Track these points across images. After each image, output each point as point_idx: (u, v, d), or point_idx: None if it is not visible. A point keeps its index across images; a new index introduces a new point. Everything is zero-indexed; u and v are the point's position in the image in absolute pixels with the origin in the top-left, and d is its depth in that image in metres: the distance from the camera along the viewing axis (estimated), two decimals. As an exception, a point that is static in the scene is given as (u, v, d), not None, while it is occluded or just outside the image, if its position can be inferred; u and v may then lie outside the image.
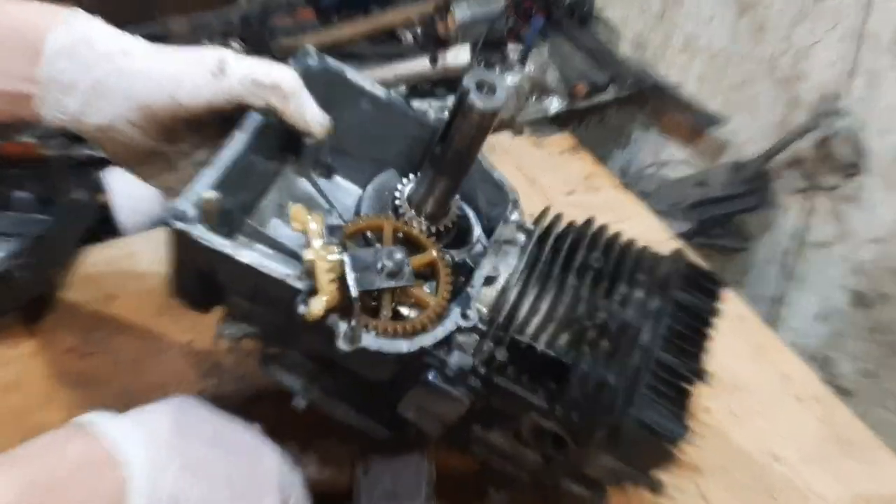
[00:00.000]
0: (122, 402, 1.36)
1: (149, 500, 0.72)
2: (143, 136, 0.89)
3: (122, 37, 0.92)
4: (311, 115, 0.93)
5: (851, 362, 2.04)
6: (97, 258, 1.66)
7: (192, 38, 2.24)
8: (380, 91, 1.09)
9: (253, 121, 0.98)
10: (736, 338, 1.54)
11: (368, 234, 1.01)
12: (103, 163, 1.84)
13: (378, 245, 0.98)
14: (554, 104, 2.25)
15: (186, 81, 0.82)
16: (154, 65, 0.86)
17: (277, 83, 0.89)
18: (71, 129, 0.87)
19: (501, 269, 1.00)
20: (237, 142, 0.96)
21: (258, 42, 2.24)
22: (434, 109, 1.11)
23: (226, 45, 2.22)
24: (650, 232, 1.79)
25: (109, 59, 0.83)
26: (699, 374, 1.00)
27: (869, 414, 2.02)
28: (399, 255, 0.92)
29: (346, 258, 0.84)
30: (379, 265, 0.91)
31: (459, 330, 0.93)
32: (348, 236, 0.97)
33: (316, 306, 0.84)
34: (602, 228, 1.07)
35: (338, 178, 1.19)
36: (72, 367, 1.42)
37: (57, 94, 0.83)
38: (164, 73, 0.83)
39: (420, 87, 2.16)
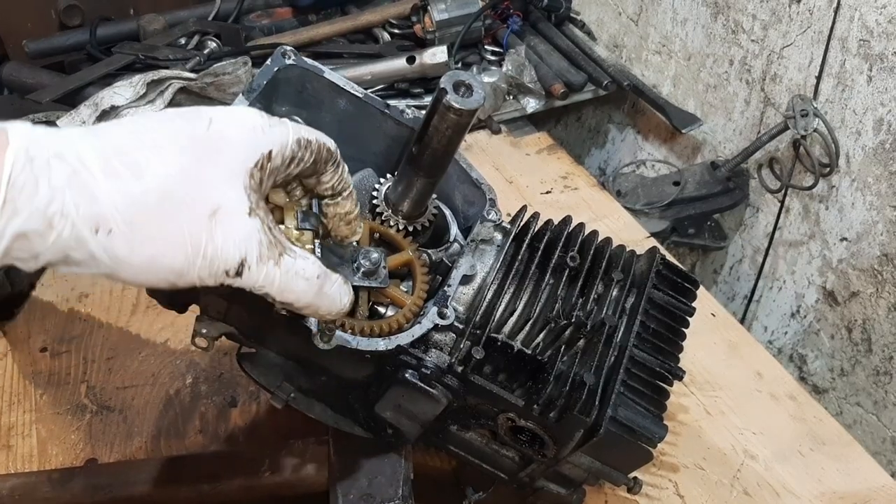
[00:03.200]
0: (96, 402, 1.36)
1: (27, 155, 0.57)
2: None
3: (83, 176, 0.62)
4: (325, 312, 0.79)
5: (824, 360, 2.07)
6: (70, 257, 1.64)
7: (167, 35, 2.22)
8: (357, 90, 1.09)
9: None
10: (710, 336, 1.55)
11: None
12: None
13: (355, 243, 0.98)
14: (531, 104, 2.26)
15: (192, 276, 0.66)
16: (156, 254, 0.65)
17: (296, 306, 0.75)
18: None
19: (478, 267, 1.01)
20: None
21: (234, 40, 2.22)
22: (411, 109, 1.11)
23: (202, 43, 2.21)
24: (626, 231, 1.81)
25: (79, 241, 0.61)
26: (675, 373, 1.01)
27: (842, 412, 2.06)
28: (376, 255, 0.92)
29: (317, 247, 0.83)
30: (355, 264, 0.91)
31: (436, 328, 0.93)
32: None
33: None
34: (578, 227, 1.08)
35: (315, 177, 1.18)
36: (44, 367, 1.41)
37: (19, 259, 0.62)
38: (165, 268, 0.65)
39: (397, 87, 2.16)
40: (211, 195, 0.67)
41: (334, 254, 0.88)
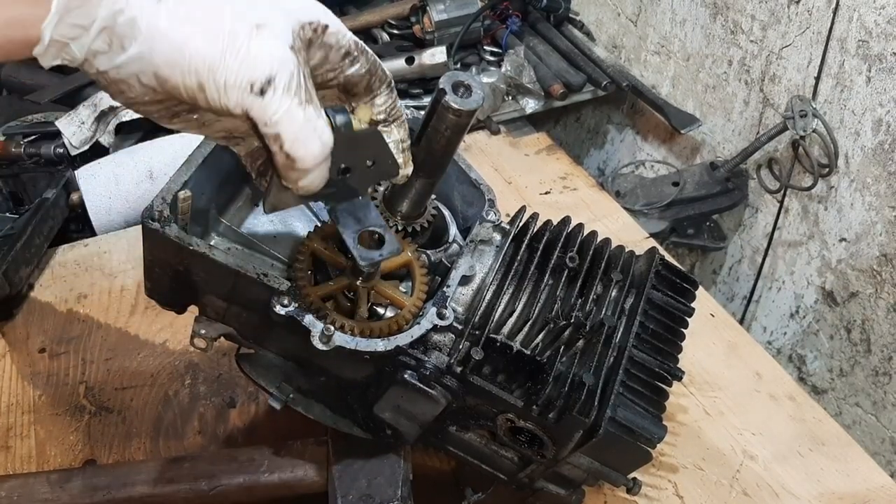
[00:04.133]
0: (94, 402, 1.36)
1: None
2: (159, 104, 0.72)
3: None
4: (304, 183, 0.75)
5: (823, 361, 2.07)
6: (69, 257, 1.64)
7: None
8: (356, 90, 1.08)
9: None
10: (709, 336, 1.55)
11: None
12: (76, 162, 1.82)
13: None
14: (530, 104, 2.26)
15: (220, 74, 0.66)
16: (194, 34, 0.66)
17: (298, 166, 0.72)
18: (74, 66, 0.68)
19: (477, 268, 1.00)
20: (210, 141, 0.95)
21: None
22: (410, 109, 1.10)
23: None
24: (626, 231, 1.81)
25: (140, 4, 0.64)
26: (674, 373, 1.01)
27: (841, 412, 2.06)
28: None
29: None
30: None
31: (435, 329, 0.93)
32: (324, 237, 0.96)
33: None
34: (578, 228, 1.08)
35: (314, 178, 1.18)
36: (42, 367, 1.40)
37: (66, 27, 0.64)
38: (198, 54, 0.65)
39: (396, 88, 2.16)
40: (262, 13, 0.68)
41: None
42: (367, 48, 0.79)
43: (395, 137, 0.84)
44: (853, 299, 1.94)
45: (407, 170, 0.86)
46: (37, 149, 1.85)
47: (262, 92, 0.67)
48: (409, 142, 0.86)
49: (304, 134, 0.70)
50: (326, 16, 0.74)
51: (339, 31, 0.75)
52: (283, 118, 0.68)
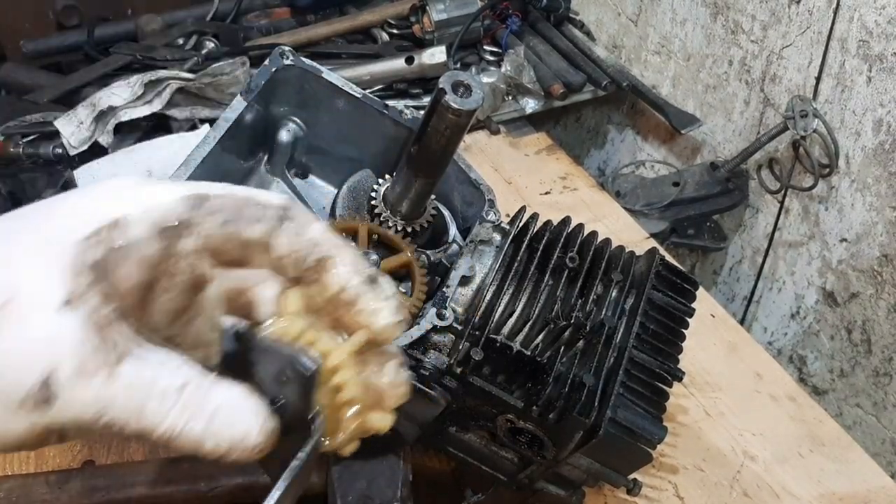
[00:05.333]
0: (94, 404, 1.35)
1: None
2: None
3: None
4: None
5: (824, 361, 2.06)
6: (68, 258, 1.63)
7: (164, 35, 2.22)
8: (356, 91, 1.08)
9: (223, 120, 0.97)
10: (710, 337, 1.55)
11: (343, 235, 1.00)
12: (75, 162, 1.82)
13: (353, 245, 0.98)
14: (530, 104, 2.25)
15: None
16: None
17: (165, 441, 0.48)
18: None
19: (477, 268, 1.00)
20: (208, 141, 0.95)
21: (232, 41, 2.22)
22: (410, 109, 1.10)
23: (200, 43, 2.20)
24: (626, 231, 1.80)
25: None
26: (675, 374, 1.00)
27: (842, 413, 2.05)
28: (374, 257, 0.92)
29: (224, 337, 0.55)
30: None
31: (435, 330, 0.93)
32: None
33: None
34: (578, 228, 1.07)
35: (313, 178, 1.18)
36: (42, 369, 1.40)
37: None
38: None
39: (396, 87, 2.16)
40: (3, 278, 0.45)
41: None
42: (211, 192, 0.51)
43: (329, 291, 0.54)
44: (854, 300, 1.94)
45: (396, 331, 0.56)
46: (35, 149, 1.84)
47: (48, 401, 0.44)
48: (394, 295, 0.56)
49: (133, 406, 0.45)
50: (120, 200, 0.49)
51: (145, 206, 0.49)
52: (97, 412, 0.45)
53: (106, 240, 0.47)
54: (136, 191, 0.50)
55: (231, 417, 0.47)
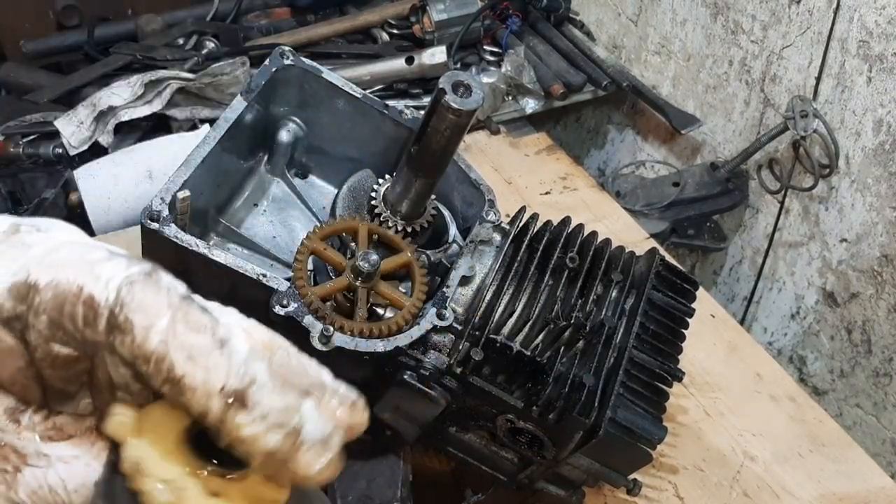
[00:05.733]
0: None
1: None
2: None
3: None
4: None
5: (824, 361, 2.06)
6: (68, 258, 1.63)
7: (165, 35, 2.22)
8: (356, 91, 1.08)
9: (223, 120, 0.97)
10: (710, 337, 1.55)
11: (343, 235, 1.00)
12: (75, 162, 1.82)
13: (353, 246, 0.97)
14: (530, 104, 2.26)
15: None
16: None
17: None
18: None
19: (477, 268, 1.00)
20: (208, 141, 0.95)
21: (232, 41, 2.22)
22: (410, 110, 1.10)
23: (200, 43, 2.20)
24: (626, 231, 1.80)
25: None
26: (675, 374, 1.00)
27: (842, 413, 2.05)
28: (375, 257, 0.92)
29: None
30: None
31: (435, 330, 0.93)
32: (323, 237, 0.96)
33: None
34: (578, 228, 1.07)
35: (313, 178, 1.18)
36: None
37: None
38: None
39: (396, 87, 2.16)
40: None
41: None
42: (42, 278, 0.43)
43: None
44: (854, 300, 1.94)
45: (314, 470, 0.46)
46: (35, 149, 1.84)
47: None
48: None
49: None
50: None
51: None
52: None
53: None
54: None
55: None
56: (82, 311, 0.42)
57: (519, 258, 1.02)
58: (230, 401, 0.43)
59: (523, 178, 1.96)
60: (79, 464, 0.42)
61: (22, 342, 0.44)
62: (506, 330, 0.97)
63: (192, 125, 1.93)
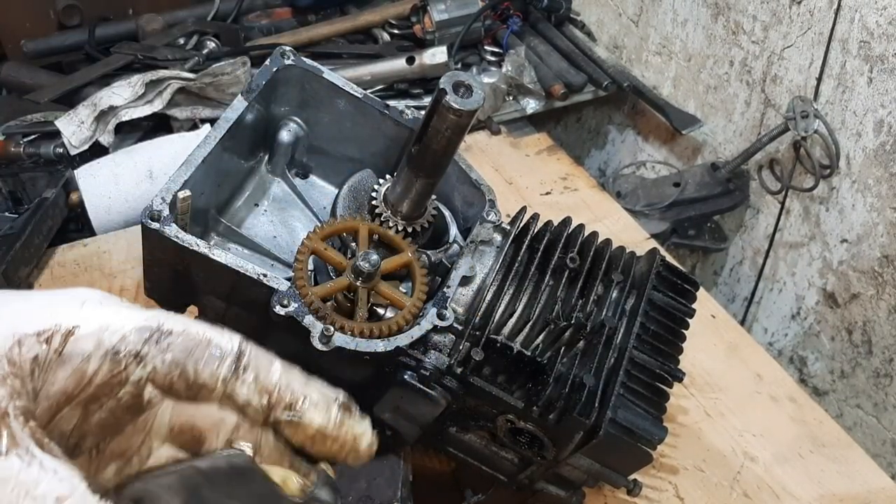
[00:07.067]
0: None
1: None
2: None
3: None
4: None
5: (824, 362, 2.06)
6: (68, 257, 1.63)
7: (165, 35, 2.22)
8: (356, 91, 1.08)
9: (224, 120, 0.98)
10: (710, 338, 1.55)
11: (344, 235, 1.00)
12: (75, 161, 1.82)
13: (353, 246, 0.97)
14: (531, 105, 2.26)
15: None
16: None
17: None
18: None
19: (478, 269, 1.00)
20: (209, 141, 0.95)
21: (233, 41, 2.22)
22: (410, 110, 1.10)
23: (201, 43, 2.20)
24: (626, 232, 1.80)
25: None
26: (675, 375, 1.00)
27: (842, 414, 2.05)
28: (375, 257, 0.92)
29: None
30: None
31: (435, 330, 0.93)
32: (324, 237, 0.96)
33: None
34: (578, 228, 1.07)
35: (314, 178, 1.18)
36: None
37: None
38: None
39: (397, 88, 2.16)
40: None
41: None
42: (168, 326, 0.54)
43: (309, 429, 0.59)
44: (854, 301, 1.94)
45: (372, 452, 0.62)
46: (36, 148, 1.84)
47: None
48: (366, 418, 0.63)
49: None
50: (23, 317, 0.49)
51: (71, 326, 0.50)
52: None
53: (51, 342, 0.49)
54: (98, 308, 0.52)
55: None
56: (207, 354, 0.53)
57: (519, 258, 1.02)
58: (339, 410, 0.59)
59: (524, 178, 1.96)
60: (55, 477, 0.45)
61: (106, 379, 0.51)
62: (506, 330, 0.97)
63: (193, 125, 1.93)
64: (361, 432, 0.59)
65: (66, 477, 0.46)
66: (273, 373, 0.56)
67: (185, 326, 0.54)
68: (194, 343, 0.54)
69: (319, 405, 0.58)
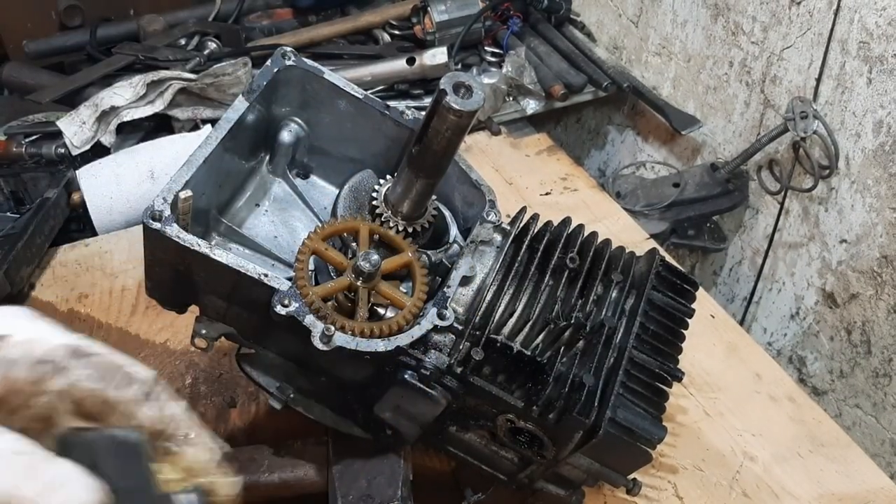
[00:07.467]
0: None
1: None
2: None
3: None
4: None
5: (824, 362, 2.07)
6: (70, 257, 1.64)
7: (167, 36, 2.22)
8: (357, 91, 1.09)
9: (225, 120, 0.98)
10: (709, 337, 1.55)
11: (345, 235, 1.01)
12: (77, 162, 1.82)
13: (354, 246, 0.98)
14: (531, 105, 2.26)
15: None
16: None
17: None
18: None
19: (478, 269, 1.00)
20: (210, 141, 0.95)
21: (234, 41, 2.22)
22: (411, 110, 1.11)
23: (202, 44, 2.21)
24: (626, 232, 1.81)
25: None
26: (674, 374, 1.01)
27: (841, 413, 2.06)
28: (375, 257, 0.92)
29: None
30: None
31: (436, 329, 0.93)
32: (325, 237, 0.96)
33: None
34: (578, 228, 1.08)
35: (314, 178, 1.18)
36: (44, 368, 1.40)
37: None
38: None
39: (397, 88, 2.17)
40: None
41: None
42: (85, 348, 0.58)
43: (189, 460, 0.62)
44: (853, 301, 1.94)
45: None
46: (38, 148, 1.85)
47: None
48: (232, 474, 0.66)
49: None
50: None
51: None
52: None
53: None
54: (28, 322, 0.57)
55: (67, 488, 0.48)
56: (122, 378, 0.57)
57: (519, 258, 1.02)
58: (212, 458, 0.63)
59: (524, 178, 1.97)
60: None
61: (26, 387, 0.54)
62: (506, 330, 0.98)
63: (194, 125, 1.94)
64: (224, 481, 0.63)
65: (14, 437, 0.49)
66: (173, 407, 0.61)
67: (108, 351, 0.58)
68: (113, 367, 0.58)
69: (199, 449, 0.62)
